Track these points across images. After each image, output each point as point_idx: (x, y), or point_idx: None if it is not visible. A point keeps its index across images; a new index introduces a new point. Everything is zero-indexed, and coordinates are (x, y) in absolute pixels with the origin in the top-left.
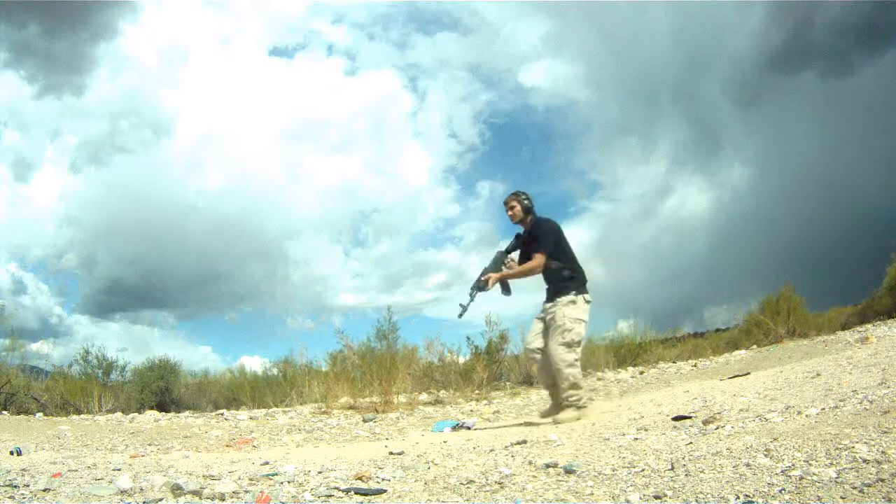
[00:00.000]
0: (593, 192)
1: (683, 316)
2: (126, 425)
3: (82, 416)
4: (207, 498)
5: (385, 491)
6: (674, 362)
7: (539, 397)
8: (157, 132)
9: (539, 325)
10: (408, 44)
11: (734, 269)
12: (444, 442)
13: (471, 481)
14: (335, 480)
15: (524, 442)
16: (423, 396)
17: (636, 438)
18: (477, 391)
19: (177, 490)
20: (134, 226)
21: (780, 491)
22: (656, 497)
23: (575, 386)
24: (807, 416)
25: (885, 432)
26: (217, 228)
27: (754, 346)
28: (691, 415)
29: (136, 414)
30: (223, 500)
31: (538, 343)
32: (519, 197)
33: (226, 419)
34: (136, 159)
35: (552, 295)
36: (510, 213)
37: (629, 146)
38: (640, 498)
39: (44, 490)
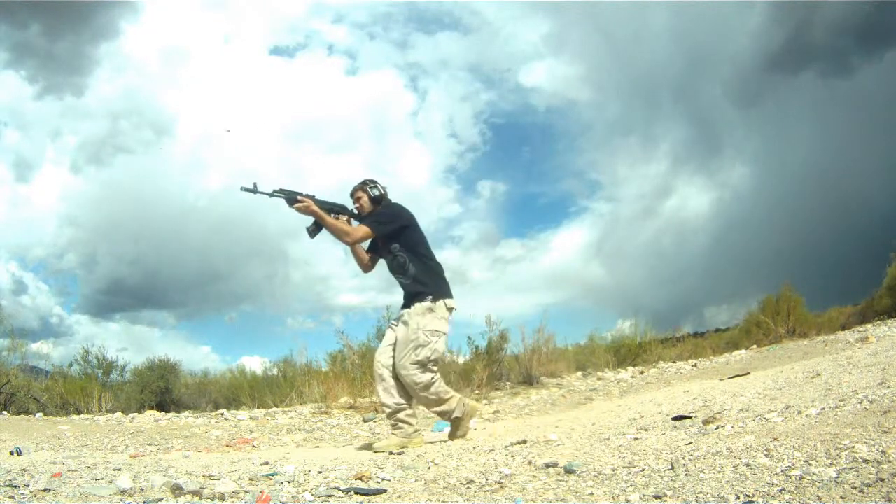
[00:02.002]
0: (594, 191)
1: (683, 316)
2: (126, 425)
3: (82, 416)
4: (207, 498)
5: (385, 491)
6: (674, 362)
7: (539, 397)
8: (158, 132)
9: (392, 336)
10: (408, 43)
11: (734, 269)
12: (444, 442)
13: (471, 481)
14: (335, 480)
15: (524, 442)
16: None
17: (636, 438)
18: (477, 391)
19: (177, 490)
20: (134, 226)
21: (780, 491)
22: (656, 497)
23: (440, 402)
24: (807, 416)
25: (885, 432)
26: (217, 228)
27: (754, 346)
28: (691, 415)
29: (136, 414)
30: (223, 500)
31: (387, 358)
32: (366, 186)
33: (226, 419)
34: (136, 159)
35: (408, 299)
36: (357, 205)
37: (630, 146)
38: (640, 498)
39: (44, 490)
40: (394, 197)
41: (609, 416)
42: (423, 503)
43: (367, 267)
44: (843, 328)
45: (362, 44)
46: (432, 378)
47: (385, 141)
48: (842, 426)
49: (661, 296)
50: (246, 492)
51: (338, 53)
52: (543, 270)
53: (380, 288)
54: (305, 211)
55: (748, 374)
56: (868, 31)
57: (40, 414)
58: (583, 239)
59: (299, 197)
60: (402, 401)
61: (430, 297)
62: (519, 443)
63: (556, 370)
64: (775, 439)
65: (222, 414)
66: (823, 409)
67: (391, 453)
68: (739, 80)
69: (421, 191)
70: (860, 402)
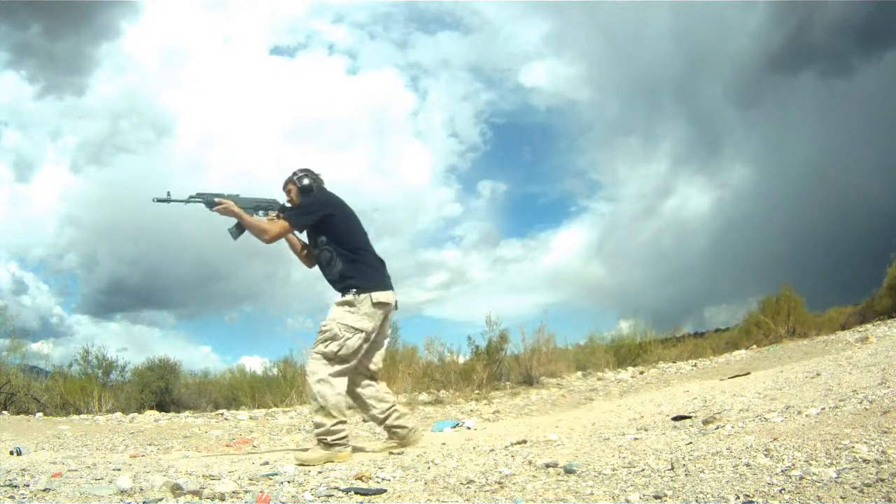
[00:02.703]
0: (594, 191)
1: (683, 316)
2: (126, 425)
3: (82, 416)
4: (207, 498)
5: (385, 491)
6: (674, 362)
7: (539, 397)
8: (159, 132)
9: None
10: (409, 43)
11: (734, 269)
12: (443, 444)
13: (471, 481)
14: (335, 480)
15: (524, 442)
16: (423, 396)
17: (636, 438)
18: (477, 391)
19: (177, 490)
20: (135, 226)
21: (780, 491)
22: (656, 497)
23: (323, 411)
24: (807, 416)
25: (885, 432)
26: (217, 228)
27: (754, 346)
28: (691, 415)
29: (136, 414)
30: (223, 500)
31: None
32: (294, 177)
33: (226, 419)
34: (137, 159)
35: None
36: (287, 198)
37: (630, 146)
38: (640, 498)
39: (44, 490)
40: (394, 197)
41: (609, 416)
42: (423, 503)
43: (308, 263)
44: (843, 328)
45: (363, 43)
46: (332, 375)
47: (385, 141)
48: (842, 426)
49: (661, 296)
50: (246, 492)
51: (338, 53)
52: (543, 270)
53: None
54: (226, 212)
55: (748, 374)
56: (868, 31)
57: (40, 414)
58: (583, 239)
59: (217, 199)
60: (386, 406)
61: (355, 289)
62: (519, 443)
63: (556, 370)
64: (775, 439)
65: (222, 414)
66: (823, 409)
67: (391, 453)
68: (740, 80)
69: (421, 190)
70: (860, 402)
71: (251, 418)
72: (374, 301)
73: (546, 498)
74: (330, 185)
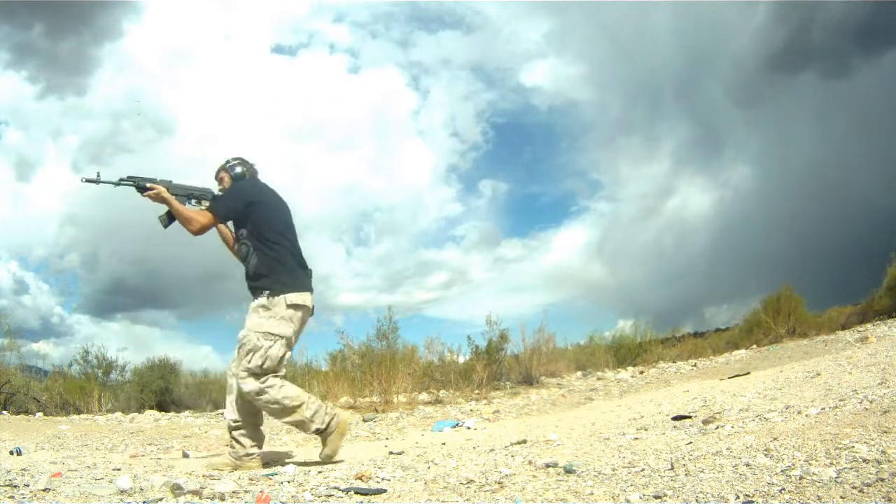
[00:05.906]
0: (595, 191)
1: (683, 316)
2: (126, 425)
3: (82, 416)
4: (207, 498)
5: (385, 491)
6: (674, 362)
7: (539, 397)
8: (160, 132)
9: None
10: (410, 42)
11: (735, 269)
12: (443, 444)
13: (471, 481)
14: (335, 480)
15: (524, 442)
16: (423, 396)
17: (636, 438)
18: (477, 391)
19: (177, 490)
20: (136, 225)
21: (780, 491)
22: (656, 497)
23: (289, 411)
24: (807, 416)
25: (885, 432)
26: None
27: (754, 346)
28: (691, 415)
29: (136, 414)
30: (223, 499)
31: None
32: (226, 166)
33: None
34: (138, 159)
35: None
36: (220, 187)
37: (631, 146)
38: (640, 498)
39: (44, 490)
40: (394, 196)
41: (609, 416)
42: (423, 503)
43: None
44: (843, 328)
45: (364, 42)
46: (263, 387)
47: (387, 140)
48: (842, 426)
49: (662, 296)
50: (246, 492)
51: (339, 52)
52: (544, 270)
53: (381, 287)
54: (157, 199)
55: (748, 373)
56: (868, 31)
57: (40, 414)
58: (584, 239)
59: (149, 185)
60: (239, 417)
61: (268, 291)
62: (519, 443)
63: (556, 370)
64: (775, 439)
65: (222, 414)
66: (823, 409)
67: (391, 453)
68: (740, 81)
69: (422, 190)
70: (860, 402)
71: None
72: (289, 303)
73: (546, 498)
74: (331, 185)
